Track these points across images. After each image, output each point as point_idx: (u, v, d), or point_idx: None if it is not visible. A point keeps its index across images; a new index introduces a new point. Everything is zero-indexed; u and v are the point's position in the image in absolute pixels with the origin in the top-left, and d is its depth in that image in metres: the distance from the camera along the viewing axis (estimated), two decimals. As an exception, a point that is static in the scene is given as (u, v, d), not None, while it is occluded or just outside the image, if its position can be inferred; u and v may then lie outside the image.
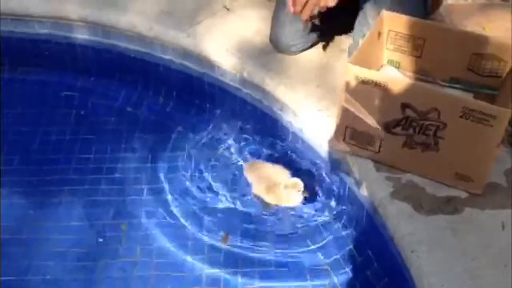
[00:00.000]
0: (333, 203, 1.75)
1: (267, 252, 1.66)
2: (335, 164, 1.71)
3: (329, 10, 1.64)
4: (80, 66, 2.25)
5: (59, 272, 1.62)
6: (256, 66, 1.92)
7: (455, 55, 1.65)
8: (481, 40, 1.62)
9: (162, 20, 2.10)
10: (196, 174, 1.87)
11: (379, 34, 1.67)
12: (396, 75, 1.71)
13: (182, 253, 1.65)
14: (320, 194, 1.78)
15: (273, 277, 1.61)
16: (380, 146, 1.56)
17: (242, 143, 1.95)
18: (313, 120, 1.78)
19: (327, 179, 1.79)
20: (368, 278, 1.58)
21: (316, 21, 1.80)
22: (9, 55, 2.24)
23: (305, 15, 1.64)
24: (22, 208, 1.78)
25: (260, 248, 1.67)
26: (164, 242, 1.68)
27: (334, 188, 1.76)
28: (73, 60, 2.26)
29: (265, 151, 1.92)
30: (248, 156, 1.91)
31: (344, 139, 1.61)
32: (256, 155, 1.91)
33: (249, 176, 1.82)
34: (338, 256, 1.65)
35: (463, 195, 1.51)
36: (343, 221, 1.71)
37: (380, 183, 1.55)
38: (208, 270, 1.62)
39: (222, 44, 2.00)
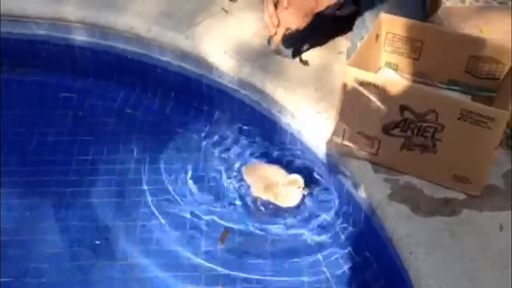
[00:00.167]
0: (331, 205, 1.75)
1: (264, 253, 1.66)
2: (333, 166, 1.71)
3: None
4: (78, 67, 2.25)
5: (57, 273, 1.61)
6: (254, 68, 1.92)
7: (453, 58, 1.66)
8: (479, 43, 1.63)
9: (160, 22, 2.10)
10: (195, 175, 1.87)
11: (377, 36, 1.68)
12: (394, 77, 1.72)
13: (181, 254, 1.65)
14: (318, 196, 1.78)
15: (270, 278, 1.61)
16: (378, 148, 1.56)
17: (241, 145, 1.95)
18: (311, 122, 1.78)
19: (325, 181, 1.80)
20: (366, 279, 1.58)
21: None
22: (7, 56, 2.23)
23: (277, 39, 1.81)
24: (20, 209, 1.77)
25: (257, 249, 1.67)
26: (162, 243, 1.68)
27: (332, 189, 1.77)
28: (71, 61, 2.25)
29: (263, 153, 1.92)
30: (246, 157, 1.91)
31: (342, 141, 1.61)
32: (254, 157, 1.91)
33: (248, 178, 1.82)
34: (336, 258, 1.65)
35: (461, 197, 1.51)
36: (341, 223, 1.71)
37: (378, 184, 1.55)
38: (207, 270, 1.62)
39: (220, 46, 2.00)
